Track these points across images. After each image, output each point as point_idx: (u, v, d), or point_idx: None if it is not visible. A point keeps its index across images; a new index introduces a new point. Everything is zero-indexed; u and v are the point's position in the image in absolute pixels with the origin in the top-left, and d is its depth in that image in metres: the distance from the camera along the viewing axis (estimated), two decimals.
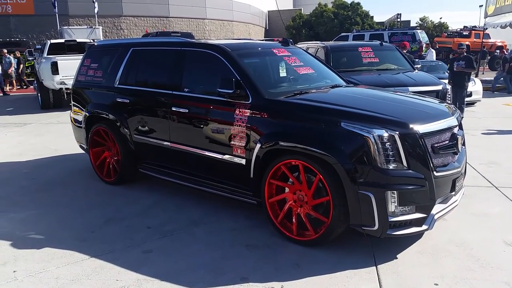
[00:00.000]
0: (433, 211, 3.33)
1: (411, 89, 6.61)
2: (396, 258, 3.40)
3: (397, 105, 3.87)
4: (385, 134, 3.16)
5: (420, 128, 3.28)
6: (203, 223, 4.13)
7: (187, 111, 4.26)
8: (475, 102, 10.97)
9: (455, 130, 3.65)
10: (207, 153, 4.17)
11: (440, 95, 6.97)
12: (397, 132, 3.19)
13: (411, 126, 3.26)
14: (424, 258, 3.40)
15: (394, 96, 4.19)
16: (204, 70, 4.35)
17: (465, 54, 9.50)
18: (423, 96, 4.41)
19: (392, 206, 3.18)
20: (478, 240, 3.66)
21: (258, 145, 3.68)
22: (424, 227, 3.31)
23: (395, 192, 3.16)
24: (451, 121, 3.62)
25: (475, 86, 10.91)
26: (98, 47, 5.67)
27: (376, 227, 3.21)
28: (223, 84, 3.83)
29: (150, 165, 4.88)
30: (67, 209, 4.58)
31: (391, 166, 3.17)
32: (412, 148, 3.22)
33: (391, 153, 3.16)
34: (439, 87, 7.24)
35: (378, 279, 3.12)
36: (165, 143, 4.55)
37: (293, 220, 3.61)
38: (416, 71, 8.34)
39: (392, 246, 3.56)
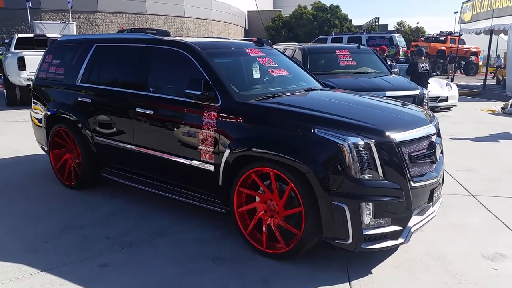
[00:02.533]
0: (410, 224, 3.16)
1: (388, 93, 6.50)
2: (371, 273, 3.21)
3: (373, 111, 3.68)
4: (361, 142, 2.96)
5: (397, 136, 3.10)
6: (168, 233, 3.85)
7: (152, 112, 3.98)
8: (451, 107, 10.98)
9: (433, 138, 3.49)
10: (173, 158, 3.90)
11: (417, 100, 6.88)
12: (373, 140, 2.99)
13: (387, 134, 3.07)
14: (400, 273, 3.21)
15: (370, 102, 4.00)
16: (172, 69, 4.08)
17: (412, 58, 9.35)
18: (400, 102, 4.25)
19: (367, 218, 2.98)
20: (455, 253, 3.50)
21: (228, 151, 3.44)
22: (400, 240, 3.13)
23: (370, 203, 2.96)
24: (429, 129, 3.46)
25: (451, 91, 10.91)
26: (60, 42, 5.33)
27: (350, 240, 3.01)
28: (191, 85, 3.58)
29: (113, 169, 4.58)
30: (21, 217, 4.23)
31: (367, 176, 2.97)
32: (389, 157, 3.04)
33: (366, 162, 2.96)
34: (416, 92, 7.16)
35: None
36: (129, 146, 4.26)
37: (264, 231, 3.39)
38: (393, 75, 8.26)
39: (366, 260, 3.36)
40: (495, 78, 22.56)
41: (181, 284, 3.04)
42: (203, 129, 3.61)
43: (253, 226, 3.47)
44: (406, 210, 3.10)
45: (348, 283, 3.08)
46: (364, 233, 2.99)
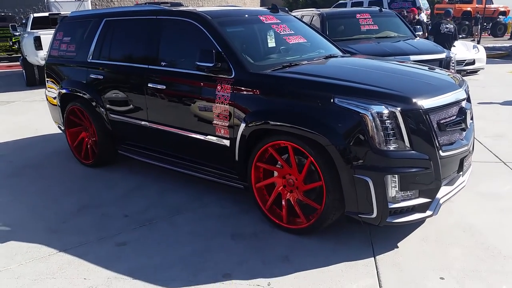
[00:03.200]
0: (439, 195, 2.98)
1: (413, 57, 6.20)
2: (397, 247, 3.07)
3: (398, 76, 3.44)
4: (385, 111, 2.76)
5: (424, 103, 2.88)
6: (186, 209, 3.77)
7: (164, 87, 3.84)
8: (478, 70, 10.45)
9: (463, 103, 3.24)
10: (187, 134, 3.78)
11: (443, 64, 6.53)
12: (399, 108, 2.79)
13: (414, 101, 2.85)
14: (428, 247, 3.06)
15: (394, 67, 3.76)
16: (182, 41, 3.90)
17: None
18: (427, 66, 3.99)
19: (392, 191, 2.82)
20: (487, 224, 3.32)
21: (243, 125, 3.29)
22: (428, 212, 2.96)
23: (396, 176, 2.79)
24: (459, 94, 3.21)
25: (478, 54, 10.36)
26: (70, 19, 5.19)
27: (375, 214, 2.86)
28: (203, 57, 3.40)
29: (130, 147, 4.50)
30: (41, 196, 4.22)
31: (392, 147, 2.79)
32: (416, 126, 2.83)
33: (391, 132, 2.77)
34: (443, 55, 6.79)
35: (377, 272, 2.79)
36: (143, 122, 4.15)
37: (283, 206, 3.26)
38: (418, 38, 7.86)
39: (392, 233, 3.22)
40: None
41: (200, 261, 2.97)
42: (217, 103, 3.46)
43: (272, 201, 3.35)
44: (434, 181, 2.91)
45: (373, 257, 2.95)
46: (389, 207, 2.83)
